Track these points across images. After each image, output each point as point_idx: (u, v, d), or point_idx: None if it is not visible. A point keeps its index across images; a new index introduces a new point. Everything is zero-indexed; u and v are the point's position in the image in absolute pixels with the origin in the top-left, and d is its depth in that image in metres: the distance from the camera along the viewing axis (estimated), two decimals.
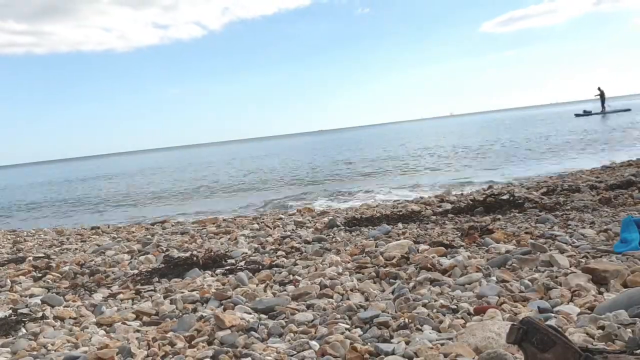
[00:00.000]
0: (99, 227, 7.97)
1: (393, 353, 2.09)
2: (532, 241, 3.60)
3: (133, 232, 6.98)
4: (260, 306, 2.88)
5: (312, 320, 2.61)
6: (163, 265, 4.23)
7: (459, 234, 4.25)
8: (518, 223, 4.51)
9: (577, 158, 12.22)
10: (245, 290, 3.22)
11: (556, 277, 2.81)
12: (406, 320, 2.42)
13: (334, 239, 4.74)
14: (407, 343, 2.19)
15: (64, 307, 3.35)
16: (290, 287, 3.25)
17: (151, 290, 3.57)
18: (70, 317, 3.09)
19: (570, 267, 2.98)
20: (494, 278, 2.93)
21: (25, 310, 3.27)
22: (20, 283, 4.16)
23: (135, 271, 4.23)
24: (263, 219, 7.00)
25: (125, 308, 3.22)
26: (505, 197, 5.86)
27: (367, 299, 2.88)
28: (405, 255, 3.66)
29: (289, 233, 5.39)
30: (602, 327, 2.06)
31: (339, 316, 2.60)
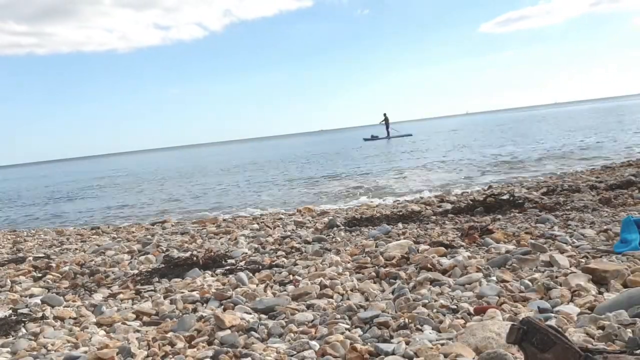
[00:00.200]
0: (99, 227, 7.97)
1: (393, 353, 2.09)
2: (532, 241, 3.60)
3: (133, 232, 6.98)
4: (260, 306, 2.88)
5: (312, 320, 2.61)
6: (163, 265, 4.23)
7: (459, 234, 4.25)
8: (518, 223, 4.51)
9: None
10: (245, 290, 3.22)
11: (556, 277, 2.81)
12: (406, 320, 2.42)
13: (334, 239, 4.74)
14: (407, 343, 2.19)
15: (64, 307, 3.35)
16: (290, 287, 3.25)
17: (151, 290, 3.57)
18: (70, 317, 3.09)
19: (570, 267, 2.98)
20: (494, 278, 2.93)
21: (25, 310, 3.27)
22: (20, 283, 4.16)
23: (135, 271, 4.23)
24: (263, 219, 7.00)
25: (125, 308, 3.22)
26: (505, 197, 5.86)
27: (367, 299, 2.88)
28: (405, 255, 3.66)
29: (289, 233, 5.39)
30: (602, 327, 2.06)
31: (339, 316, 2.60)
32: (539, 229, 4.12)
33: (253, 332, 2.50)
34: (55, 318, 3.09)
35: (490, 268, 3.12)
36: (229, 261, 4.21)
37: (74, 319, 3.09)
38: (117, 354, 2.37)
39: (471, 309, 2.51)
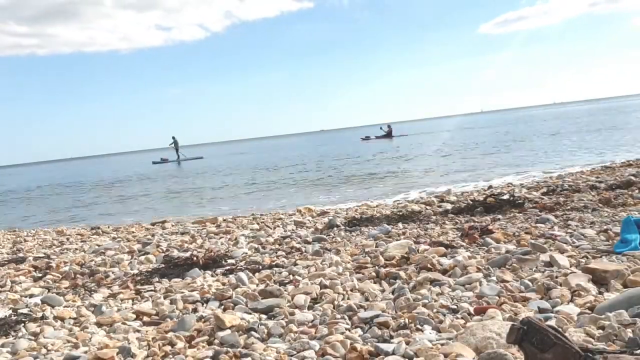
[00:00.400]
0: (99, 227, 7.96)
1: (393, 353, 2.09)
2: (532, 241, 3.60)
3: (133, 232, 6.98)
4: (260, 306, 2.89)
5: (312, 320, 2.61)
6: (163, 265, 4.23)
7: (459, 234, 4.25)
8: (518, 223, 4.51)
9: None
10: (245, 291, 3.22)
11: (556, 277, 2.81)
12: (406, 320, 2.42)
13: (334, 239, 4.74)
14: (407, 343, 2.19)
15: (64, 307, 3.35)
16: (290, 287, 3.25)
17: (151, 290, 3.57)
18: (70, 317, 3.09)
19: (570, 267, 2.98)
20: (494, 278, 2.93)
21: (25, 310, 3.27)
22: (20, 283, 4.16)
23: (135, 271, 4.23)
24: (263, 218, 7.00)
25: (125, 308, 3.22)
26: (505, 197, 5.86)
27: (367, 299, 2.88)
28: (405, 255, 3.66)
29: (289, 233, 5.39)
30: (602, 327, 2.06)
31: (339, 316, 2.60)
32: (539, 229, 4.12)
33: (253, 332, 2.50)
34: (55, 318, 3.09)
35: (490, 268, 3.12)
36: (229, 261, 4.21)
37: (74, 319, 3.09)
38: (117, 354, 2.37)
39: (471, 309, 2.51)
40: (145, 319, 2.98)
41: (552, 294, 2.57)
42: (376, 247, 4.11)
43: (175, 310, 3.05)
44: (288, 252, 4.39)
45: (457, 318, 2.44)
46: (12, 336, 2.82)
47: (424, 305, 2.60)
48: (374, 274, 3.34)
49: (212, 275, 3.82)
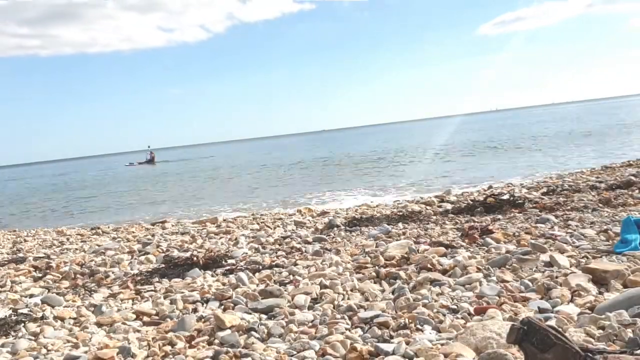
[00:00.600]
0: (99, 228, 7.96)
1: (393, 353, 2.09)
2: (532, 241, 3.60)
3: (133, 232, 6.98)
4: (260, 306, 2.88)
5: (312, 321, 2.61)
6: (163, 265, 4.23)
7: (459, 234, 4.25)
8: (518, 223, 4.50)
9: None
10: (245, 291, 3.22)
11: (556, 277, 2.81)
12: (406, 320, 2.42)
13: (334, 239, 4.74)
14: (407, 343, 2.18)
15: (64, 307, 3.35)
16: (290, 287, 3.24)
17: (151, 290, 3.57)
18: (70, 317, 3.09)
19: (570, 267, 2.98)
20: (494, 278, 2.93)
21: (25, 310, 3.27)
22: (20, 283, 4.16)
23: (135, 271, 4.23)
24: (263, 219, 7.00)
25: (125, 308, 3.22)
26: (505, 197, 5.85)
27: (367, 299, 2.87)
28: (405, 255, 3.66)
29: (289, 233, 5.39)
30: (602, 327, 2.06)
31: (339, 316, 2.60)
32: (539, 229, 4.12)
33: (253, 332, 2.50)
34: (55, 318, 3.09)
35: (490, 268, 3.12)
36: (229, 261, 4.21)
37: (74, 319, 3.09)
38: (117, 354, 2.37)
39: (471, 309, 2.51)
40: (145, 319, 2.98)
41: (552, 294, 2.57)
42: (376, 247, 4.11)
43: (175, 310, 3.05)
44: (288, 252, 4.39)
45: (457, 318, 2.44)
46: (12, 336, 2.83)
47: (424, 305, 2.60)
48: (374, 274, 3.34)
49: (212, 275, 3.81)
